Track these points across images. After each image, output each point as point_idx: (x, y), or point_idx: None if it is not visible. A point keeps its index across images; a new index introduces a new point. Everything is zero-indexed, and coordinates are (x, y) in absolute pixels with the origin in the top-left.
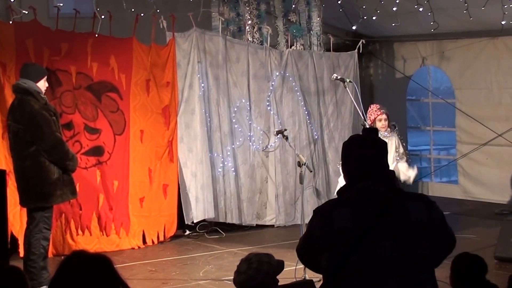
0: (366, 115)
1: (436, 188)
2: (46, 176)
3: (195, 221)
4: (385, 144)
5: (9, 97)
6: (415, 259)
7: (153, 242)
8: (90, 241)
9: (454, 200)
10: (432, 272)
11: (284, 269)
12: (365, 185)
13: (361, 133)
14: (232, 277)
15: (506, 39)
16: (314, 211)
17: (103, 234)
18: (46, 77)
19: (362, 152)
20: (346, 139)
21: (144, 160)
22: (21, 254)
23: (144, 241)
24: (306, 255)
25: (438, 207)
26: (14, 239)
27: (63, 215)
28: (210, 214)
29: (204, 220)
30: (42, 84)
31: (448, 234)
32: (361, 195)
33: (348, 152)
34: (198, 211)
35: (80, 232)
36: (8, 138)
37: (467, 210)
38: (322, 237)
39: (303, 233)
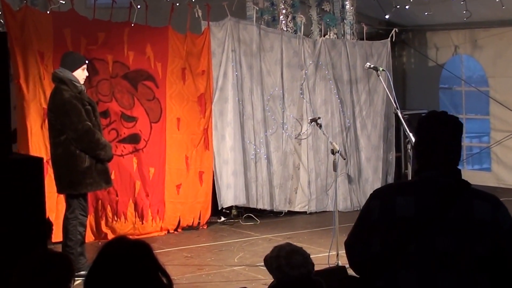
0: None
1: (468, 175)
2: (75, 165)
3: (224, 207)
4: (461, 125)
5: (47, 86)
6: (473, 258)
7: (188, 228)
8: (125, 227)
9: (486, 187)
10: (491, 274)
11: (317, 255)
12: (433, 175)
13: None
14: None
15: None
16: (373, 193)
17: (139, 220)
18: (84, 66)
19: (437, 133)
20: (379, 128)
21: (181, 148)
22: (53, 239)
23: (178, 227)
24: (354, 239)
25: (508, 211)
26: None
27: (100, 201)
28: (241, 201)
29: (237, 207)
30: (80, 73)
31: None
32: (428, 185)
33: (422, 129)
34: (229, 197)
35: (116, 218)
36: (48, 126)
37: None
38: (380, 221)
39: (336, 219)
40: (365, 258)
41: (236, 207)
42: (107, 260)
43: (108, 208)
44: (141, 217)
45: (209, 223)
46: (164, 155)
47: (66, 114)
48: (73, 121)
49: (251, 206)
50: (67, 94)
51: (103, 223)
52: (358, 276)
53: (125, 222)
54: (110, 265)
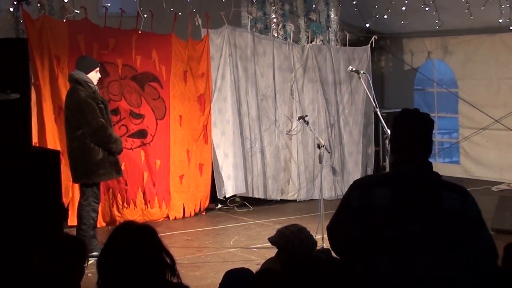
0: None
1: (439, 168)
2: (90, 157)
3: (227, 196)
4: (432, 122)
5: (63, 86)
6: (443, 242)
7: (190, 214)
8: (134, 213)
9: (455, 178)
10: (459, 259)
11: None
12: (408, 169)
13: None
14: (258, 245)
15: (503, 36)
16: (353, 184)
17: (147, 207)
18: (97, 69)
19: (411, 129)
20: (360, 124)
21: (183, 142)
22: (69, 223)
23: (184, 214)
24: (336, 224)
25: (474, 201)
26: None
27: (111, 190)
28: (241, 190)
29: (234, 196)
30: (94, 75)
31: (483, 232)
32: (402, 178)
33: (397, 126)
34: (230, 187)
35: (125, 205)
36: (64, 123)
37: (467, 187)
38: (359, 209)
39: (321, 206)
40: (346, 243)
41: (234, 196)
42: (116, 242)
43: (118, 196)
44: (149, 204)
45: (207, 209)
46: (168, 149)
47: (82, 111)
48: (88, 118)
49: (249, 195)
50: (82, 93)
51: (114, 209)
52: (339, 258)
53: (134, 209)
54: (120, 246)
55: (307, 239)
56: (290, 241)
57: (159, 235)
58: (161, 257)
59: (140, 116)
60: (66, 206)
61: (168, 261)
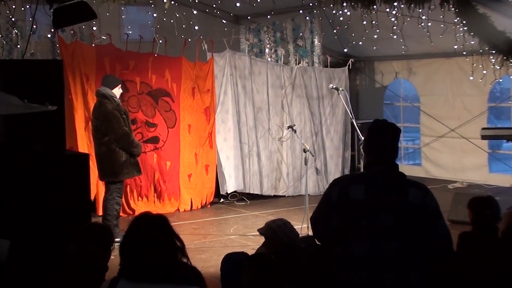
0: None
1: (404, 169)
2: (115, 159)
3: (228, 192)
4: (399, 130)
5: (91, 100)
6: (408, 230)
7: (197, 207)
8: (147, 206)
9: (417, 178)
10: (421, 245)
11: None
12: (379, 169)
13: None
14: (254, 233)
15: (458, 59)
16: (332, 182)
17: (158, 201)
18: (120, 86)
19: (381, 136)
20: (340, 133)
21: (192, 147)
22: (97, 214)
23: (192, 206)
24: (318, 216)
25: (433, 196)
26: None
27: (128, 186)
28: (240, 187)
29: (234, 191)
30: (117, 91)
31: (440, 222)
32: (374, 176)
33: (370, 133)
34: (231, 184)
35: (140, 198)
36: (91, 130)
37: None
38: (338, 203)
39: (306, 200)
40: (327, 231)
41: (235, 192)
42: (136, 229)
43: (135, 191)
44: (159, 198)
45: (212, 203)
46: (178, 152)
47: (110, 121)
48: (114, 126)
49: (246, 191)
50: (109, 106)
51: (131, 202)
52: (321, 244)
53: (147, 202)
54: (138, 232)
55: (290, 232)
56: (276, 233)
57: (170, 224)
58: (173, 241)
59: (153, 125)
60: (93, 200)
61: (179, 244)
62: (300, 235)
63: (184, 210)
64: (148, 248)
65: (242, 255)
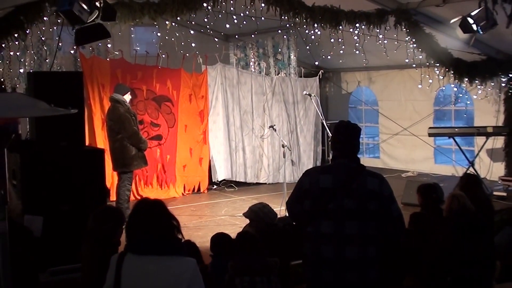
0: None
1: (365, 161)
2: (127, 153)
3: (219, 180)
4: (360, 129)
5: (106, 104)
6: (367, 213)
7: (189, 191)
8: (152, 192)
9: (376, 168)
10: (378, 224)
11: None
12: (343, 161)
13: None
14: (242, 214)
15: (409, 70)
16: (305, 172)
17: (160, 188)
18: (129, 92)
19: (345, 134)
20: (311, 131)
21: (187, 143)
22: (110, 199)
23: (184, 191)
24: (293, 200)
25: (388, 184)
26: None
27: (137, 176)
28: (228, 175)
29: (224, 179)
30: (127, 97)
31: (394, 205)
32: (340, 167)
33: (336, 132)
34: (221, 174)
35: (145, 186)
36: (106, 129)
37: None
38: (309, 190)
39: (284, 187)
40: (300, 212)
41: (224, 180)
42: (137, 211)
43: (142, 180)
44: (161, 185)
45: (206, 189)
46: (175, 148)
47: (122, 122)
48: (126, 126)
49: (233, 179)
50: (122, 109)
51: (139, 188)
52: (295, 224)
53: (151, 188)
54: (140, 214)
55: (269, 213)
56: (257, 214)
57: (170, 207)
58: (169, 220)
59: (157, 125)
60: (108, 187)
61: (175, 223)
62: (278, 216)
63: (182, 195)
64: (148, 226)
65: (223, 235)
